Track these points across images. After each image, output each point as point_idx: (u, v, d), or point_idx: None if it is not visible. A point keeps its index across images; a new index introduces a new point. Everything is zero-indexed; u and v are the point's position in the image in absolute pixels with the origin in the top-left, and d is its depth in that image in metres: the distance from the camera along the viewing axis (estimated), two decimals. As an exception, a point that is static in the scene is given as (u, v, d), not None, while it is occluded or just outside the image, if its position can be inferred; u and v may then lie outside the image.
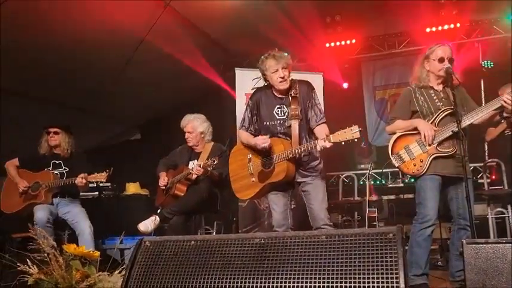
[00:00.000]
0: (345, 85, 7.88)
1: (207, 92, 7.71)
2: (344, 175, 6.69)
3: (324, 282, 1.65)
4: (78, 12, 5.14)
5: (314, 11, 6.63)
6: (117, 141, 8.89)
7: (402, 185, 6.62)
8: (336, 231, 1.80)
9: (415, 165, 3.25)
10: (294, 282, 1.69)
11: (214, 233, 5.05)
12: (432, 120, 3.25)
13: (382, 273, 1.60)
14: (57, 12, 5.06)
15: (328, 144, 2.98)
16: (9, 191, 4.50)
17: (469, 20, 6.72)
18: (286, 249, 1.78)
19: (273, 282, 1.71)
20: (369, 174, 6.06)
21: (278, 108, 3.35)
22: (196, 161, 4.34)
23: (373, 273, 1.61)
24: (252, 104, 3.46)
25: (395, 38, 7.13)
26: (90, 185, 4.56)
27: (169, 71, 6.86)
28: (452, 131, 3.14)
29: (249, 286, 1.74)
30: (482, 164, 5.60)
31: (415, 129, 3.28)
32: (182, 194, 4.19)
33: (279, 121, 3.33)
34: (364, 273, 1.63)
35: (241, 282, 1.75)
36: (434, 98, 3.31)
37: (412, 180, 3.46)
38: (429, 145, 3.20)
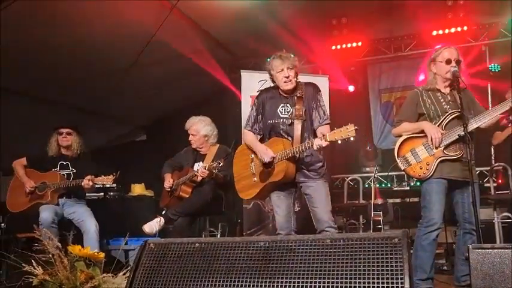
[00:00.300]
0: (351, 88, 7.85)
1: (213, 94, 7.73)
2: (349, 178, 6.67)
3: (328, 286, 1.65)
4: (84, 14, 5.17)
5: (320, 14, 6.62)
6: (122, 142, 8.92)
7: (408, 188, 6.59)
8: (340, 235, 1.79)
9: (421, 169, 3.23)
10: (298, 286, 1.68)
11: (218, 235, 5.05)
12: (439, 123, 3.23)
13: (387, 278, 1.59)
14: (64, 14, 5.08)
15: (324, 143, 2.98)
16: (16, 190, 4.52)
17: (476, 23, 6.69)
18: (291, 253, 1.77)
19: (277, 286, 1.71)
20: (374, 177, 6.03)
21: (282, 106, 3.37)
22: (201, 163, 4.34)
23: (378, 278, 1.61)
24: (257, 103, 3.50)
25: (402, 41, 7.10)
26: (96, 185, 4.58)
27: (175, 73, 6.89)
28: (458, 135, 3.12)
29: (253, 289, 1.73)
30: (488, 168, 5.55)
31: (422, 131, 3.26)
32: (187, 196, 4.20)
33: (282, 119, 3.34)
34: (369, 278, 1.62)
35: (245, 286, 1.75)
36: (441, 100, 3.29)
37: (418, 183, 3.44)
38: (436, 148, 3.18)
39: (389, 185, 7.06)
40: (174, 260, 1.92)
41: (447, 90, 3.32)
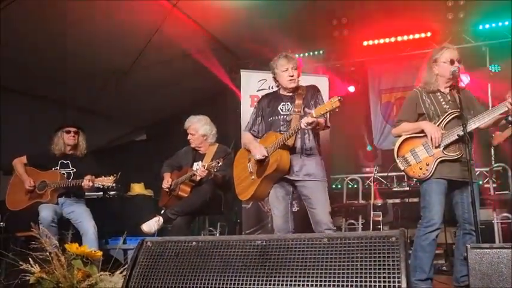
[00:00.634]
0: (351, 88, 7.85)
1: (213, 94, 7.72)
2: (349, 178, 6.66)
3: (325, 285, 1.64)
4: (84, 14, 5.17)
5: (320, 14, 6.62)
6: (122, 142, 8.91)
7: (408, 188, 6.57)
8: (337, 234, 1.79)
9: (421, 169, 3.22)
10: (295, 285, 1.68)
11: (217, 235, 5.04)
12: (439, 123, 3.22)
13: (384, 277, 1.59)
14: (65, 13, 5.08)
15: (310, 119, 3.02)
16: (16, 188, 4.52)
17: (476, 23, 6.68)
18: (288, 252, 1.76)
19: (274, 285, 1.70)
20: (373, 177, 6.02)
21: (283, 105, 3.44)
22: (200, 162, 4.34)
23: (375, 277, 1.60)
24: (258, 106, 3.59)
25: (402, 41, 7.10)
26: (96, 186, 4.58)
27: (175, 73, 6.88)
28: (458, 135, 3.11)
29: (249, 288, 1.73)
30: (488, 169, 5.55)
31: (422, 131, 3.26)
32: (186, 195, 4.19)
33: (282, 116, 3.39)
34: (366, 277, 1.61)
35: (242, 284, 1.74)
36: (441, 100, 3.28)
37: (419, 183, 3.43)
38: (436, 147, 3.17)
39: (389, 186, 7.04)
40: (171, 258, 1.91)
41: (447, 90, 3.32)
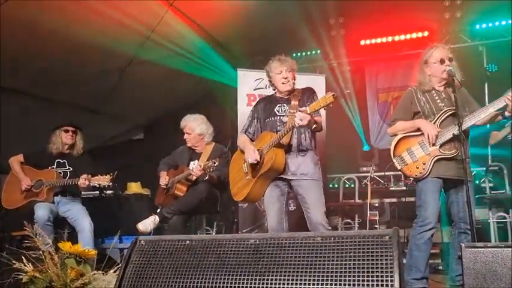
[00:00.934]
0: (348, 87, 7.84)
1: (210, 93, 7.71)
2: (345, 177, 6.66)
3: (318, 284, 1.64)
4: (81, 12, 5.15)
5: (317, 13, 6.62)
6: (120, 141, 8.90)
7: (405, 188, 6.57)
8: (331, 232, 1.78)
9: (417, 168, 3.21)
10: (288, 284, 1.68)
11: (214, 234, 5.03)
12: (434, 121, 3.21)
13: (377, 276, 1.59)
14: (61, 12, 5.07)
15: (304, 116, 3.01)
16: (12, 186, 4.50)
17: (473, 23, 6.69)
18: (281, 250, 1.76)
19: (267, 283, 1.70)
20: (370, 176, 6.02)
21: (279, 106, 3.44)
22: (197, 161, 4.33)
23: (368, 275, 1.60)
24: (254, 109, 3.60)
25: (399, 40, 7.11)
26: (92, 185, 4.57)
27: (173, 71, 6.87)
28: (453, 133, 3.11)
29: (243, 287, 1.72)
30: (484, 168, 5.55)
31: (418, 130, 3.25)
32: (182, 194, 4.19)
33: (279, 117, 3.39)
34: (359, 275, 1.61)
35: (235, 283, 1.74)
36: (436, 98, 3.28)
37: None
38: (433, 144, 3.17)
39: (386, 185, 7.04)
40: (164, 257, 1.91)
41: (441, 88, 3.32)
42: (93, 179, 4.23)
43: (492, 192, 5.07)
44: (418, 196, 3.27)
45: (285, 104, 3.42)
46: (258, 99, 4.91)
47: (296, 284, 1.67)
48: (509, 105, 2.99)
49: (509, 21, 6.52)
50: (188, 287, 1.80)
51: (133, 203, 6.15)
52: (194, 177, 4.12)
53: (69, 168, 4.51)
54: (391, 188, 6.73)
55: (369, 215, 5.47)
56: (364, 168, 7.09)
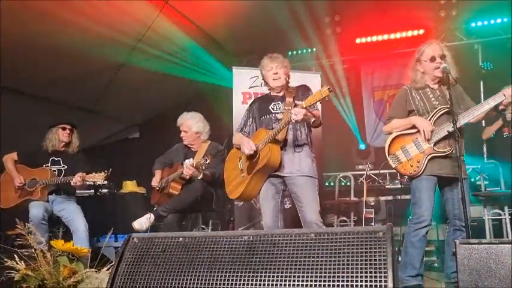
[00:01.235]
0: (344, 86, 7.85)
1: (206, 91, 7.70)
2: (341, 175, 6.66)
3: (311, 281, 1.63)
4: (77, 12, 5.13)
5: (313, 11, 6.62)
6: (115, 140, 8.88)
7: (400, 186, 6.58)
8: (325, 229, 1.78)
9: (411, 166, 3.22)
10: (281, 280, 1.67)
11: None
12: (428, 119, 3.21)
13: (370, 272, 1.58)
14: (56, 12, 5.04)
15: (300, 110, 3.01)
16: (6, 185, 4.48)
17: (468, 21, 6.70)
18: (275, 247, 1.75)
19: (260, 280, 1.69)
20: (366, 174, 6.02)
21: (274, 104, 3.45)
22: (191, 159, 4.32)
23: (361, 272, 1.59)
24: (250, 109, 3.61)
25: (395, 39, 7.12)
26: (87, 183, 4.55)
27: (168, 70, 6.85)
28: (448, 131, 3.11)
29: (236, 284, 1.71)
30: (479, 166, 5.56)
31: (413, 127, 3.25)
32: (176, 193, 4.17)
33: (274, 115, 3.40)
34: (352, 272, 1.60)
35: (228, 280, 1.73)
36: (431, 96, 3.28)
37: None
38: (428, 140, 3.16)
39: (381, 183, 7.06)
40: (158, 254, 1.90)
41: (436, 85, 3.31)
42: (87, 177, 4.22)
43: (487, 189, 5.08)
44: (412, 194, 3.28)
45: (279, 102, 3.43)
46: (253, 97, 4.92)
47: (289, 280, 1.66)
48: (508, 99, 2.99)
49: (505, 20, 6.53)
50: (181, 284, 1.79)
51: (129, 202, 6.13)
52: (186, 176, 4.10)
53: (63, 166, 4.50)
54: (386, 186, 6.74)
55: (364, 212, 5.48)
56: (360, 166, 7.10)
